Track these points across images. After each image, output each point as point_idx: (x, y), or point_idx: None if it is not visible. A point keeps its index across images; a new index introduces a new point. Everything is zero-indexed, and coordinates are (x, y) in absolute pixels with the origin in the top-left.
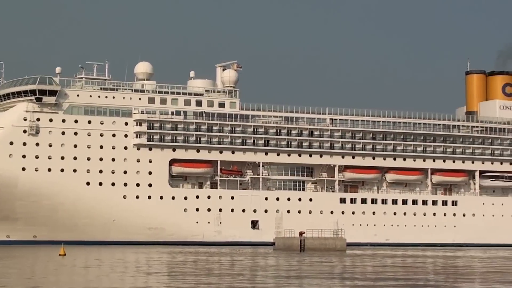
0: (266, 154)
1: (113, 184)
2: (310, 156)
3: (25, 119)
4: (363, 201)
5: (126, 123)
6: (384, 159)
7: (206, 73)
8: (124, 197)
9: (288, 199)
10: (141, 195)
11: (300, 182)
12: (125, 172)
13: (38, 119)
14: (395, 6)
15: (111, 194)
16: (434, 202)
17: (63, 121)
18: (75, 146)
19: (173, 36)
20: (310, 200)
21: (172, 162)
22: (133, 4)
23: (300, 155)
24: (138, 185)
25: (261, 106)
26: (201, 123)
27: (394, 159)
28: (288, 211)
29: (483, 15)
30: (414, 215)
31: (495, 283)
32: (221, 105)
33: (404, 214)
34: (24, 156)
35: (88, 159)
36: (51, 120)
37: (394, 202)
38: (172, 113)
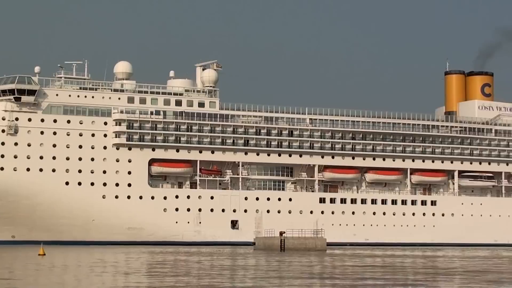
0: (246, 154)
1: (92, 184)
2: (290, 156)
3: (3, 119)
4: (343, 201)
5: (105, 123)
6: (364, 159)
7: (185, 73)
8: (103, 197)
9: (268, 199)
10: (121, 195)
11: (279, 182)
12: (104, 172)
13: (16, 119)
14: (375, 6)
15: (90, 194)
16: (413, 202)
17: (42, 120)
18: (54, 145)
19: (152, 35)
20: (290, 200)
21: (152, 162)
22: (112, 3)
23: (279, 155)
24: (117, 185)
25: (241, 106)
26: (180, 122)
27: (374, 159)
28: (268, 211)
29: (462, 16)
30: (394, 215)
31: (474, 282)
32: (201, 104)
33: (384, 214)
34: (2, 156)
35: (67, 159)
36: (30, 119)
37: (374, 202)
38: (151, 113)
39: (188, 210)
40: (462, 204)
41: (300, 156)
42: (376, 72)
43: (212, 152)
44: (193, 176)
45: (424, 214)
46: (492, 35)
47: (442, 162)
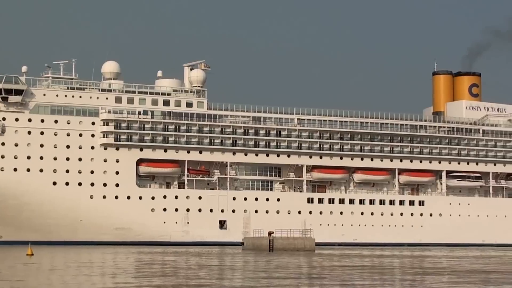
0: (234, 154)
1: (80, 184)
2: (278, 156)
3: None
4: (331, 201)
5: (93, 123)
6: (352, 159)
7: (173, 73)
8: (91, 197)
9: (256, 199)
10: (108, 195)
11: (267, 182)
12: (92, 172)
13: (4, 119)
14: (362, 6)
15: (78, 194)
16: (401, 202)
17: (29, 120)
18: (42, 145)
19: (140, 35)
20: (278, 200)
21: (139, 162)
22: (100, 3)
23: (267, 155)
24: (105, 185)
25: (229, 106)
26: (168, 123)
27: (362, 159)
28: (256, 211)
29: (450, 16)
30: (382, 215)
31: (462, 282)
32: (189, 104)
33: (372, 214)
34: None
35: (55, 158)
36: (17, 119)
37: (362, 202)
38: (139, 113)
39: (176, 210)
40: (450, 204)
41: (288, 156)
42: (364, 73)
43: (200, 152)
44: (181, 176)
45: (412, 214)
46: (480, 36)
47: (430, 162)
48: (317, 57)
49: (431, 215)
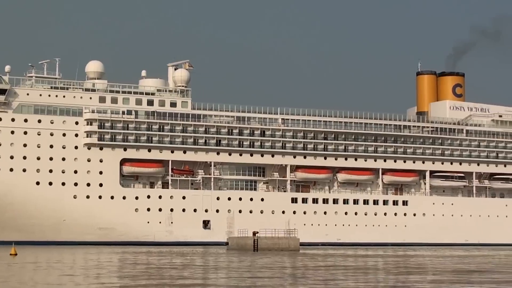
0: (218, 153)
1: (63, 183)
2: (262, 156)
3: None
4: (315, 201)
5: (76, 123)
6: (336, 159)
7: (157, 73)
8: (75, 197)
9: (240, 199)
10: (92, 195)
11: (251, 182)
12: (75, 172)
13: None
14: (347, 5)
15: (61, 194)
16: (385, 202)
17: (13, 120)
18: (25, 145)
19: (124, 35)
20: (262, 200)
21: (123, 161)
22: (84, 2)
23: (251, 155)
24: (88, 184)
25: (213, 105)
26: (152, 122)
27: (346, 159)
28: (240, 211)
29: (433, 16)
30: (365, 214)
31: (446, 282)
32: (173, 104)
33: (355, 214)
34: None
35: (38, 158)
36: (0, 119)
37: (346, 202)
38: (123, 113)
39: (160, 210)
40: (434, 204)
41: (272, 156)
42: (348, 72)
43: (184, 152)
44: (165, 176)
45: (395, 214)
46: (465, 35)
47: (414, 162)
48: (301, 57)
49: (414, 215)
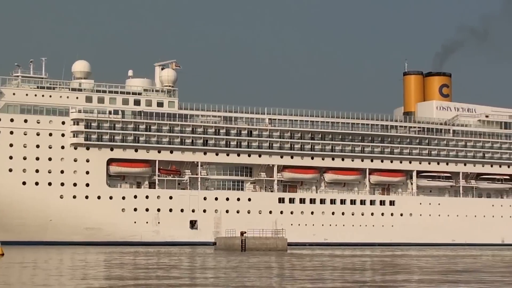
0: (205, 153)
1: (49, 183)
2: (249, 156)
3: None
4: (302, 201)
5: (63, 122)
6: (323, 159)
7: (144, 72)
8: (61, 197)
9: (227, 199)
10: (78, 195)
11: (238, 182)
12: (62, 172)
13: None
14: (333, 5)
15: (48, 194)
16: (372, 202)
17: None
18: (11, 145)
19: (111, 34)
20: (249, 200)
21: (110, 161)
22: (70, 1)
23: (238, 155)
24: (75, 184)
25: (200, 105)
26: (139, 122)
27: (333, 159)
28: (227, 211)
29: (420, 17)
30: (352, 214)
31: (434, 282)
32: (160, 104)
33: (343, 214)
34: None
35: (24, 158)
36: None
37: (333, 202)
38: (110, 112)
39: (147, 210)
40: (420, 204)
41: (259, 156)
42: (335, 73)
43: (171, 152)
44: (152, 176)
45: (382, 214)
46: (452, 35)
47: (401, 162)
48: (288, 57)
49: (401, 215)
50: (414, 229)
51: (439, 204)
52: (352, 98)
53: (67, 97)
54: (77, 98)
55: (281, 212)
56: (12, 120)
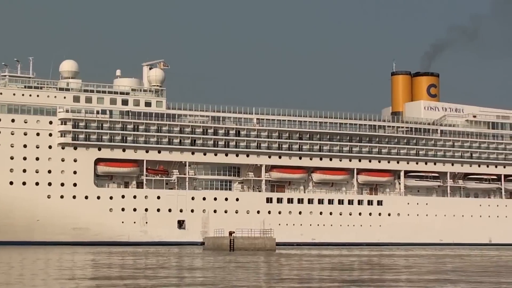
0: (193, 153)
1: (37, 183)
2: (237, 155)
3: None
4: (290, 200)
5: (50, 122)
6: (311, 159)
7: (132, 72)
8: (49, 196)
9: (215, 198)
10: (66, 195)
11: (226, 182)
12: (49, 172)
13: None
14: (321, 5)
15: (35, 194)
16: (360, 202)
17: None
18: None
19: (99, 34)
20: (237, 199)
21: (98, 161)
22: (58, 1)
23: (226, 155)
24: (62, 184)
25: (188, 105)
26: (127, 122)
27: (321, 159)
28: (215, 211)
29: (408, 17)
30: (340, 214)
31: (422, 281)
32: (148, 104)
33: (330, 213)
34: None
35: (12, 158)
36: None
37: (321, 201)
38: (97, 112)
39: (135, 210)
40: (408, 204)
41: (247, 156)
42: (323, 72)
43: (159, 152)
44: (140, 176)
45: (370, 214)
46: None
47: (389, 162)
48: (276, 57)
49: (389, 214)
50: (402, 229)
51: (426, 204)
52: (340, 98)
53: (55, 96)
54: (64, 97)
55: (269, 212)
56: None
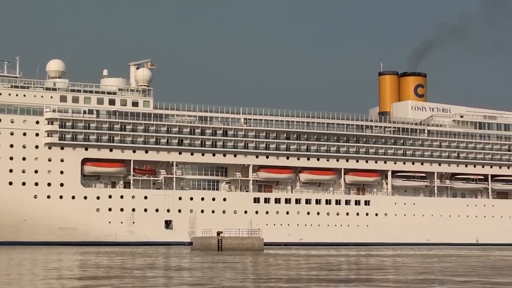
0: (180, 153)
1: (23, 183)
2: (224, 155)
3: None
4: (277, 200)
5: (37, 122)
6: (298, 159)
7: (119, 72)
8: (35, 196)
9: (202, 198)
10: (53, 195)
11: (214, 182)
12: (36, 172)
13: None
14: (309, 5)
15: (22, 194)
16: (347, 202)
17: None
18: None
19: (86, 33)
20: (224, 199)
21: (85, 161)
22: (44, 0)
23: (214, 155)
24: (49, 184)
25: (175, 105)
26: (114, 122)
27: (308, 159)
28: (202, 211)
29: (395, 17)
30: (328, 214)
31: (410, 282)
32: (135, 104)
33: (318, 213)
34: None
35: None
36: None
37: (308, 201)
38: (84, 112)
39: (122, 210)
40: (395, 204)
41: (235, 156)
42: (310, 72)
43: (146, 152)
44: (127, 176)
45: (358, 214)
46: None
47: (376, 162)
48: (263, 57)
49: (376, 214)
50: (389, 229)
51: (414, 204)
52: (327, 98)
53: (42, 96)
54: (51, 97)
55: (256, 212)
56: None
